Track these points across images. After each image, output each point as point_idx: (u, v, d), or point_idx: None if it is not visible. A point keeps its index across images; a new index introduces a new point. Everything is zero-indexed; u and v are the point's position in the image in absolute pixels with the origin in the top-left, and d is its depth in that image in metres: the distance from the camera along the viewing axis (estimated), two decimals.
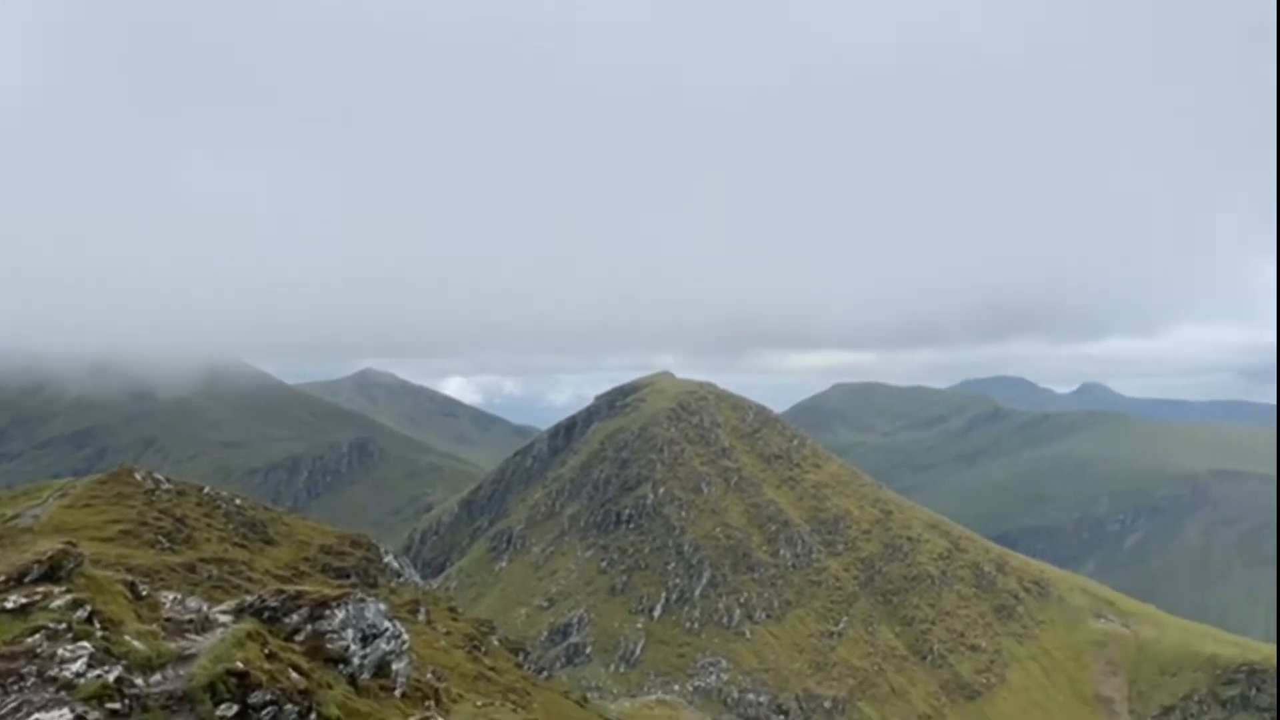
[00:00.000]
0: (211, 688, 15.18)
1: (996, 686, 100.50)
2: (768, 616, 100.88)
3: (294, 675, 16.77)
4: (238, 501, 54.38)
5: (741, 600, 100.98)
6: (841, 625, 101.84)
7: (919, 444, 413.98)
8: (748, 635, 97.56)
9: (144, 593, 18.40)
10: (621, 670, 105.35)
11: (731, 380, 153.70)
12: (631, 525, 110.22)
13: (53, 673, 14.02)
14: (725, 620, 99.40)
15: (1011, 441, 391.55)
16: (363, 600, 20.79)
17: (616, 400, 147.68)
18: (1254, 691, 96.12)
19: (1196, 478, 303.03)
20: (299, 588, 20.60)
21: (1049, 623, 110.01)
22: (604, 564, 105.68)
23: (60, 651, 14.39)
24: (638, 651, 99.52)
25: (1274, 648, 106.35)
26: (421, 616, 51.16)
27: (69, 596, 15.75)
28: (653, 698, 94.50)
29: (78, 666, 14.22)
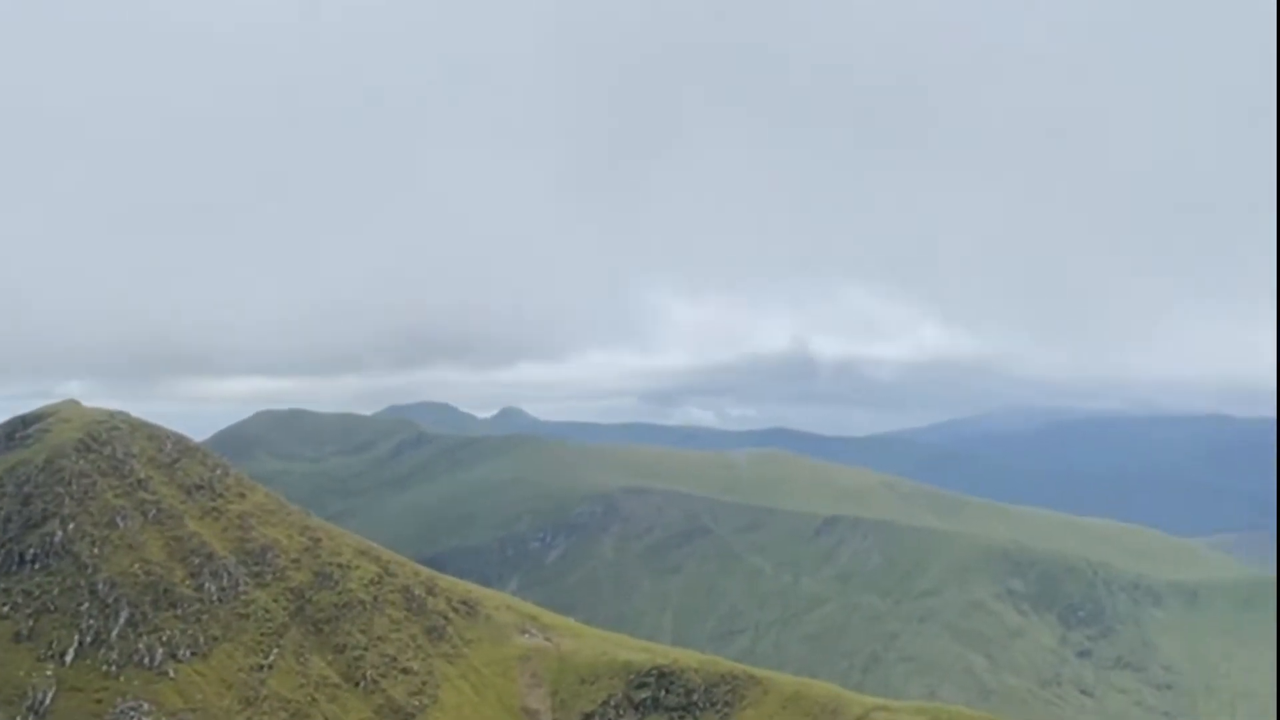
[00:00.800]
0: None
1: (429, 707, 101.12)
2: (193, 654, 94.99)
3: None
4: None
5: (164, 639, 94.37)
6: (272, 657, 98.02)
7: (348, 470, 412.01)
8: (171, 674, 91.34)
9: None
10: None
11: (147, 409, 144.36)
12: (37, 565, 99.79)
13: None
14: (147, 661, 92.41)
15: (438, 465, 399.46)
16: None
17: (16, 431, 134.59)
18: (663, 693, 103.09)
19: (608, 495, 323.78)
20: None
21: (477, 641, 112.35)
22: (6, 608, 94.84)
23: None
24: (47, 701, 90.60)
25: (679, 652, 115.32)
26: None
27: None
28: None
29: None
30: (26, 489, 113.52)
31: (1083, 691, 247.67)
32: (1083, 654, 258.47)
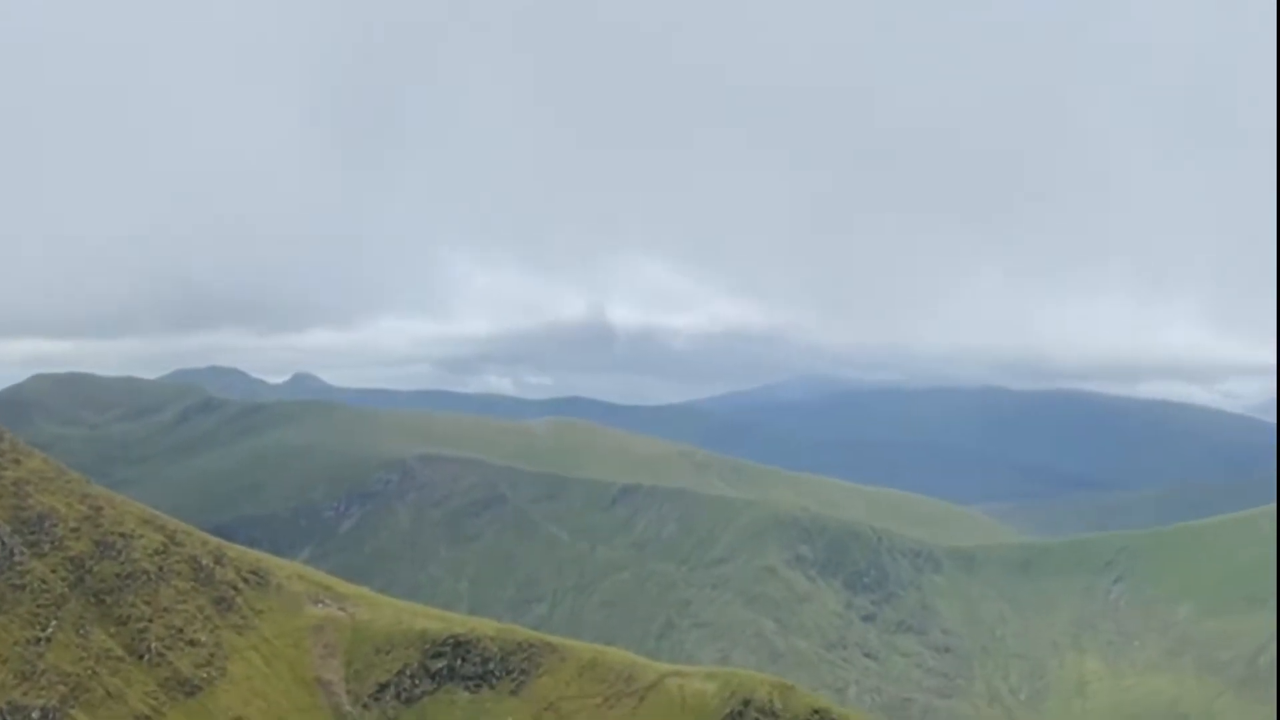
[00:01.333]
0: None
1: (217, 680, 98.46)
2: None
3: None
4: None
5: None
6: (50, 630, 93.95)
7: (132, 436, 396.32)
8: None
9: None
10: None
11: None
12: None
13: None
14: None
15: (227, 432, 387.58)
16: None
17: None
18: (459, 662, 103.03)
19: (405, 463, 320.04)
20: None
21: (268, 611, 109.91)
22: None
23: None
24: None
25: (476, 620, 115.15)
26: None
27: None
28: None
29: None
30: None
31: (867, 655, 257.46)
32: (867, 618, 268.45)
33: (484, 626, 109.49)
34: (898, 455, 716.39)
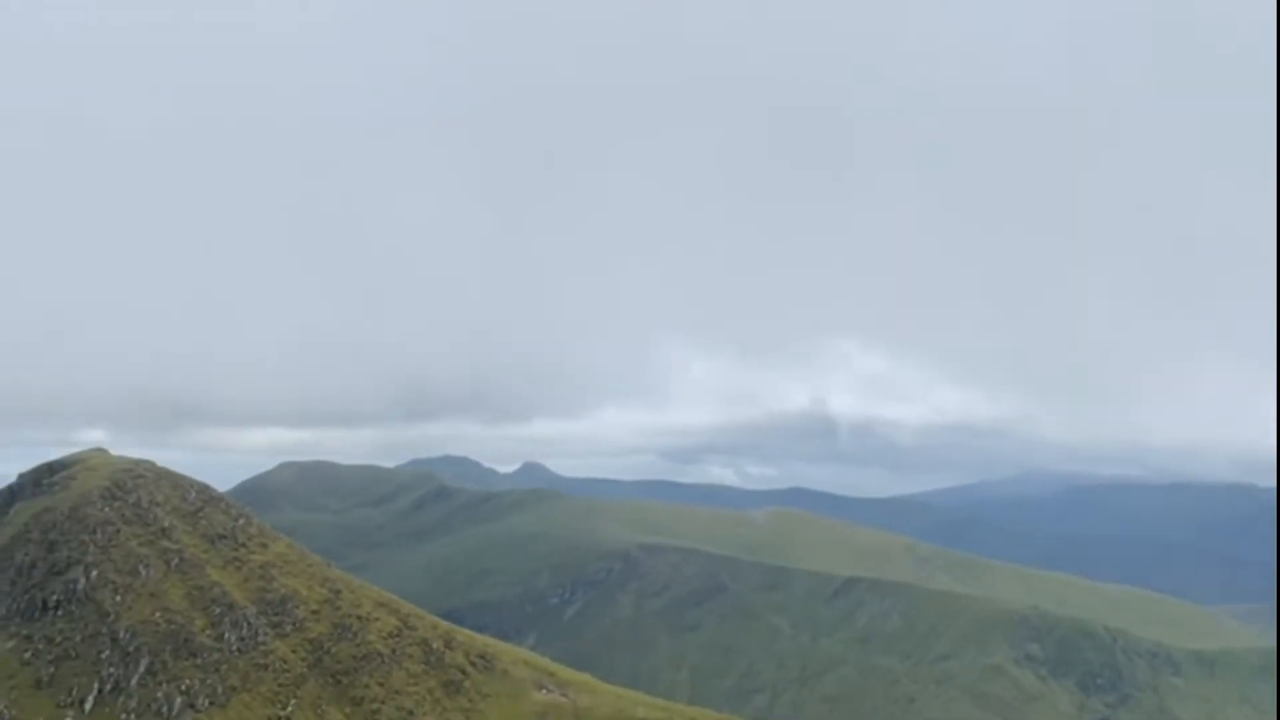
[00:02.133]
0: None
1: None
2: (211, 703, 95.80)
3: None
4: None
5: (183, 688, 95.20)
6: (290, 709, 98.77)
7: (370, 521, 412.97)
8: None
9: None
10: None
11: (171, 458, 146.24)
12: (60, 612, 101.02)
13: None
14: (165, 710, 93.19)
15: (459, 519, 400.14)
16: None
17: (43, 478, 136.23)
18: None
19: (627, 552, 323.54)
20: None
21: (494, 695, 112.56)
22: (28, 655, 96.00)
23: None
24: None
25: (696, 710, 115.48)
26: None
27: None
28: None
29: None
30: (51, 536, 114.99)
31: None
32: None
33: (704, 716, 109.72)
34: (1133, 552, 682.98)
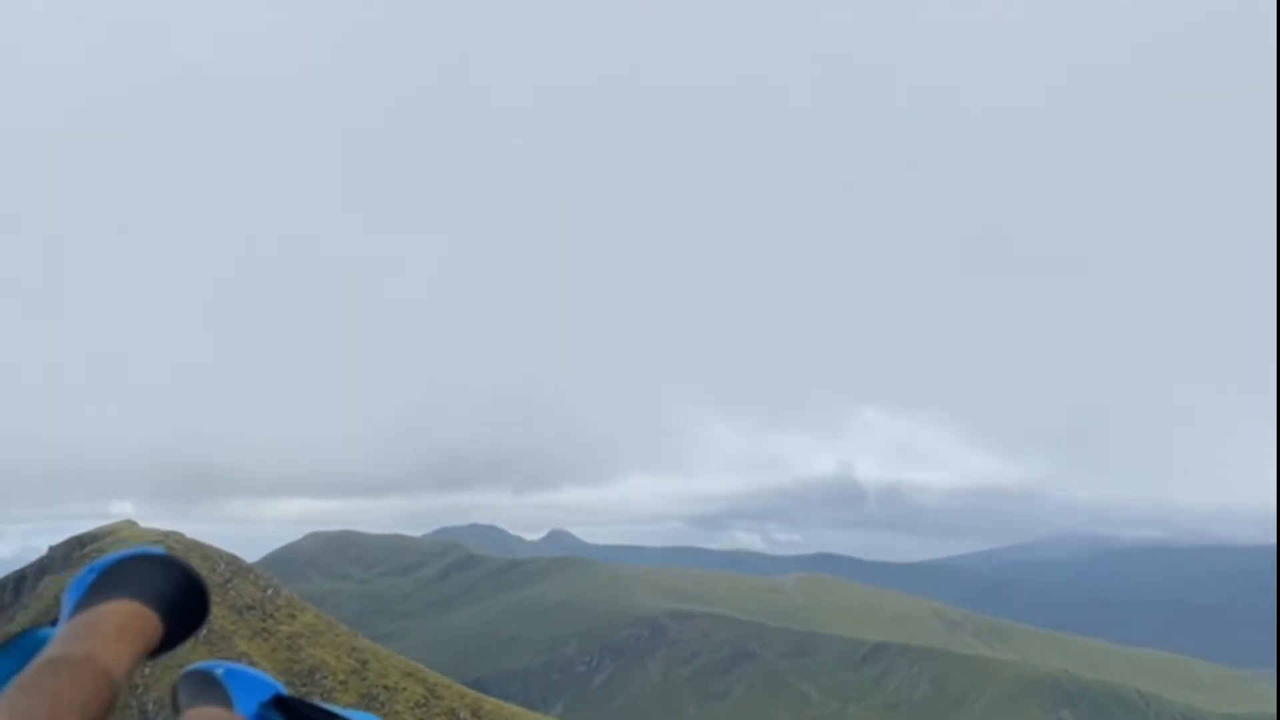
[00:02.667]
0: None
1: None
2: None
3: None
4: None
5: None
6: None
7: (397, 590, 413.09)
8: None
9: None
10: None
11: (200, 529, 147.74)
12: None
13: None
14: None
15: (486, 587, 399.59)
16: None
17: (74, 551, 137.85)
18: None
19: (655, 619, 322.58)
20: None
21: None
22: None
23: None
24: None
25: None
26: None
27: None
28: None
29: None
30: None
31: None
32: None
33: None
34: (1165, 616, 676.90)
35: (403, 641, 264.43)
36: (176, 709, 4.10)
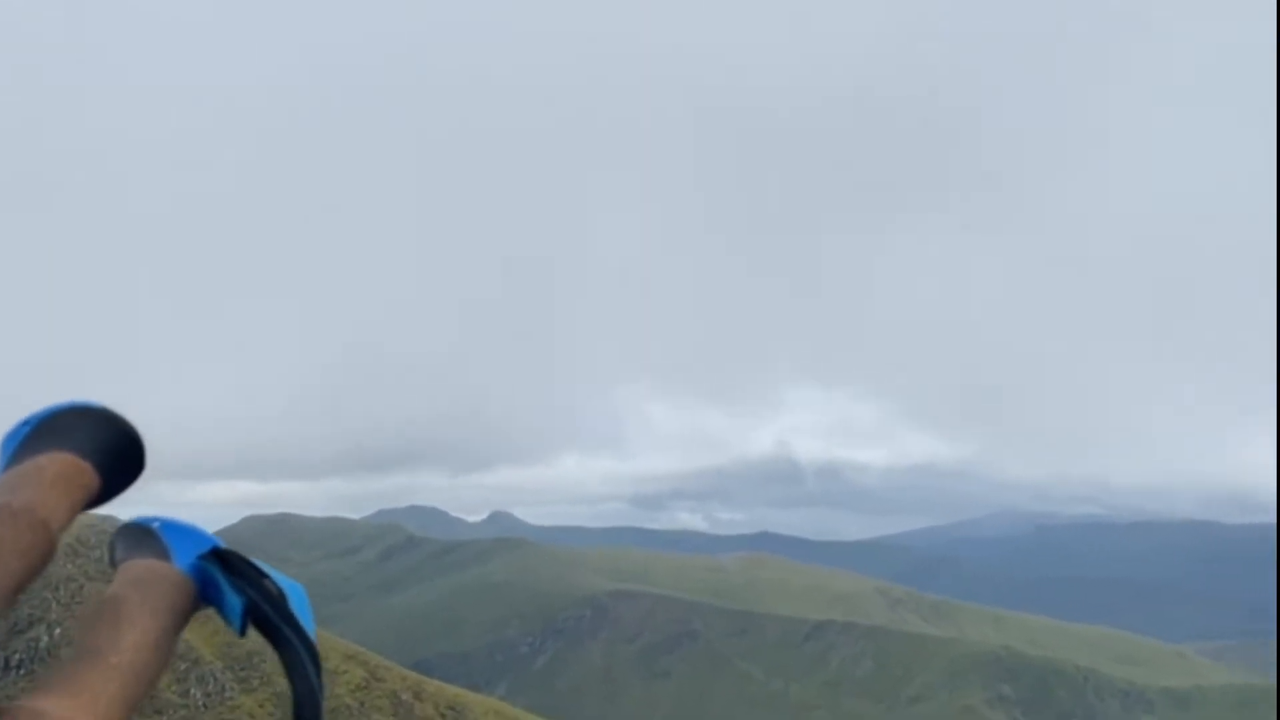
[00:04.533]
0: None
1: None
2: None
3: None
4: None
5: None
6: None
7: (337, 574, 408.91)
8: None
9: None
10: None
11: (134, 514, 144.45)
12: (23, 671, 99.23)
13: None
14: None
15: (427, 569, 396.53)
16: None
17: None
18: None
19: (598, 599, 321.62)
20: None
21: None
22: None
23: None
24: None
25: None
26: None
27: None
28: None
29: None
30: None
31: None
32: None
33: None
34: (1102, 591, 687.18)
35: (343, 624, 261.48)
36: (114, 562, 4.15)
